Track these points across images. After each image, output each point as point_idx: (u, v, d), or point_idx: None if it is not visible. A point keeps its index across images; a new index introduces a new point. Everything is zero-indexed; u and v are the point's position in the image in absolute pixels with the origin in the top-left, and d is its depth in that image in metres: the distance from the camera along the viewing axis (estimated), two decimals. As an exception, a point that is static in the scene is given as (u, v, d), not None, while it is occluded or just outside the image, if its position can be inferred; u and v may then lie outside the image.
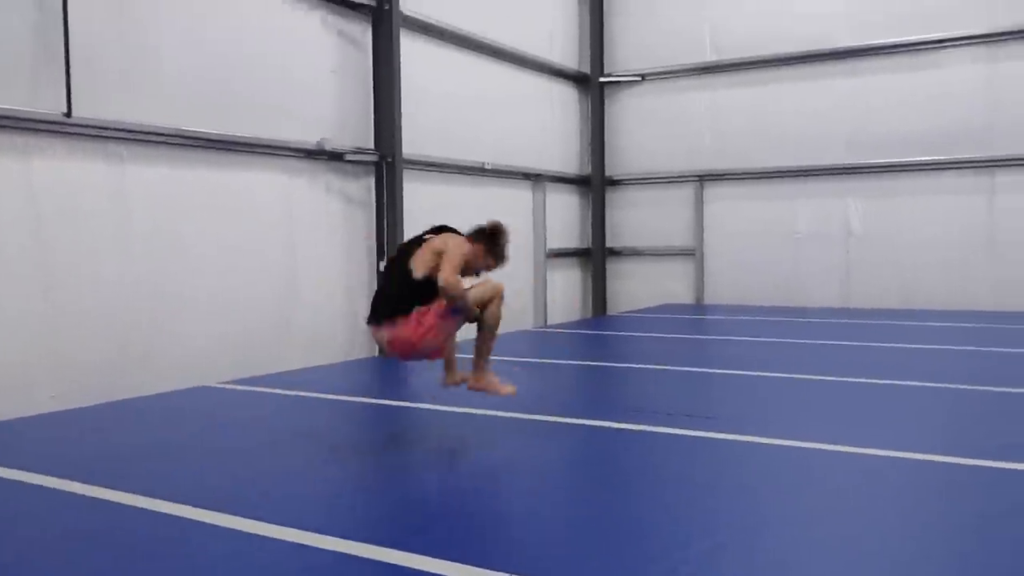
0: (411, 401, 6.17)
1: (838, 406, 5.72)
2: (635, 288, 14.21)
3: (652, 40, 13.91)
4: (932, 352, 8.16)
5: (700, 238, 13.66)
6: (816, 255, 12.84)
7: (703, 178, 13.62)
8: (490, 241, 4.94)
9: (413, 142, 10.19)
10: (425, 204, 10.53)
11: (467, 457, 4.67)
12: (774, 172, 13.10)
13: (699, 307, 13.28)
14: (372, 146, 9.73)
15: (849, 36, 12.50)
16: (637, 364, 7.69)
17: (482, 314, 4.82)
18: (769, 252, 13.14)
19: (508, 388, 4.99)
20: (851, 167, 12.58)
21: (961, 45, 11.88)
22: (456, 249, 4.68)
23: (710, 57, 13.46)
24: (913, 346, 8.51)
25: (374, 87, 9.76)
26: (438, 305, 4.58)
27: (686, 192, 13.78)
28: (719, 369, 7.30)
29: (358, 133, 9.63)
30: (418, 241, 4.89)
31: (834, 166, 12.67)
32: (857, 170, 12.55)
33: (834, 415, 5.44)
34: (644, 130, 14.13)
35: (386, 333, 4.66)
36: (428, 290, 4.57)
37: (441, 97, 10.85)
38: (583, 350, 9.52)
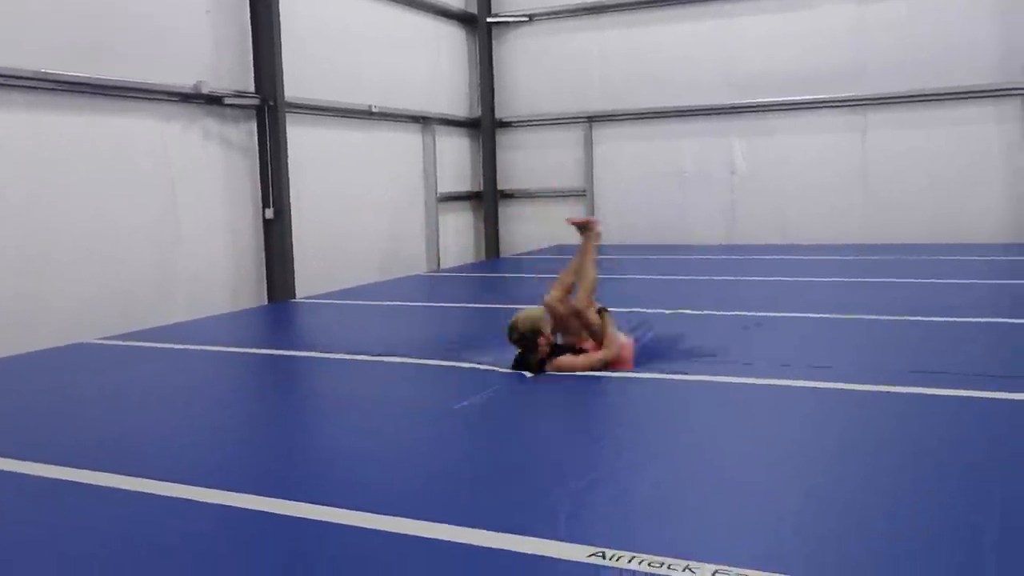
0: (297, 350, 6.09)
1: (722, 339, 5.87)
2: (528, 230, 14.28)
3: (539, -21, 13.81)
4: (810, 284, 8.48)
5: (590, 179, 13.79)
6: (702, 194, 13.13)
7: (592, 119, 13.70)
8: (532, 343, 4.95)
9: (297, 85, 9.91)
10: (311, 149, 10.30)
11: (354, 403, 4.65)
12: (660, 112, 13.28)
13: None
14: (252, 89, 9.43)
15: (730, -24, 12.68)
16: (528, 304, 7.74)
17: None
18: (657, 192, 13.37)
19: None
20: (732, 107, 12.85)
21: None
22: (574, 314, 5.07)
23: (593, -1, 13.47)
24: (793, 279, 8.82)
25: (252, 27, 9.42)
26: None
27: (576, 133, 13.85)
28: (609, 307, 7.40)
29: (237, 76, 9.30)
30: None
31: (716, 106, 12.93)
32: (737, 109, 12.84)
33: (719, 348, 5.57)
34: (533, 71, 14.08)
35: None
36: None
37: (324, 38, 10.56)
38: (474, 293, 9.55)
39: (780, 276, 9.08)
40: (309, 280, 10.00)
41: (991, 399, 4.11)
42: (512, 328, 4.95)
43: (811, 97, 12.42)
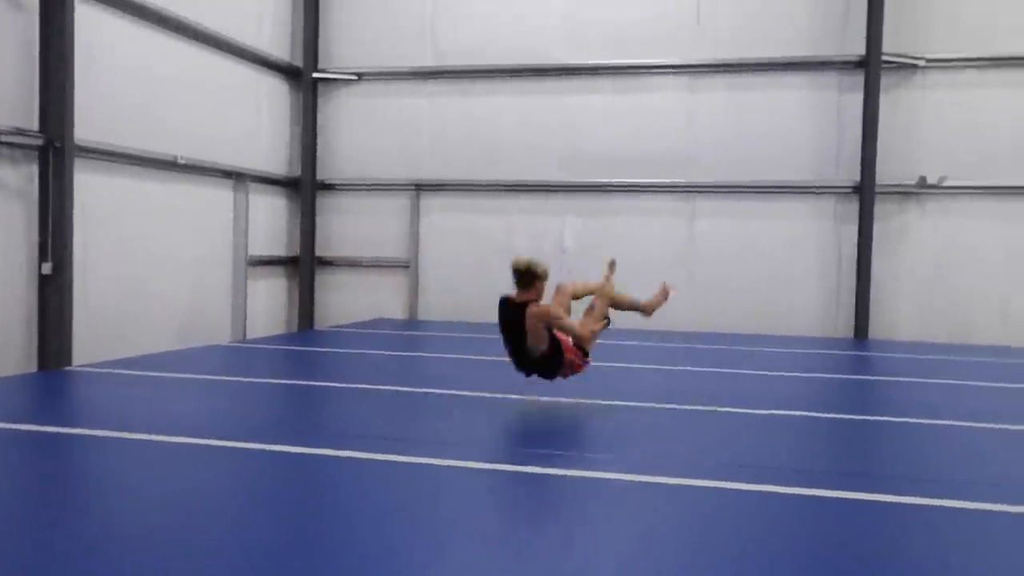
0: (75, 427, 5.00)
1: (538, 425, 5.38)
2: (346, 300, 13.41)
3: (372, 38, 13.23)
4: (626, 372, 8.13)
5: (415, 250, 13.15)
6: (530, 271, 12.72)
7: (420, 187, 13.12)
8: (535, 279, 5.76)
9: (90, 126, 8.78)
10: (104, 199, 9.12)
11: (138, 488, 3.72)
12: (492, 185, 12.88)
13: (411, 323, 12.74)
14: (36, 128, 8.23)
15: (566, 54, 12.58)
16: (334, 383, 6.95)
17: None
18: (485, 267, 12.88)
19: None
20: (564, 185, 12.65)
21: (668, 73, 12.32)
22: (556, 312, 5.70)
23: (431, 62, 13.02)
24: (610, 365, 8.43)
25: (41, 58, 8.27)
26: (571, 352, 5.84)
27: (402, 201, 13.22)
28: (423, 388, 6.74)
29: (18, 111, 8.09)
30: (516, 321, 5.76)
31: (549, 182, 12.69)
32: (571, 188, 12.65)
33: (530, 434, 5.09)
34: (360, 133, 13.40)
35: (560, 376, 5.95)
36: (554, 351, 5.76)
37: (127, 79, 9.47)
38: (280, 367, 8.61)
39: (599, 362, 8.70)
40: (94, 345, 8.75)
41: (792, 495, 3.91)
42: (520, 262, 5.79)
43: (643, 180, 12.40)
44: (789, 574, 3.04)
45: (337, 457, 4.49)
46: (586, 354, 5.96)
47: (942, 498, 3.95)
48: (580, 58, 12.53)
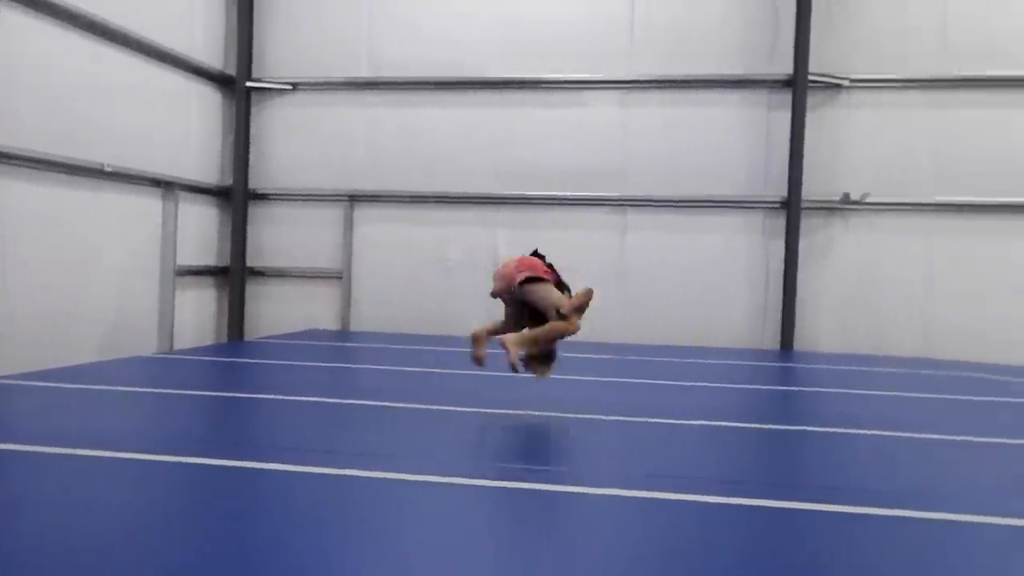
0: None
1: (466, 437, 5.36)
2: (278, 312, 13.23)
3: (308, 48, 13.13)
4: (555, 383, 8.18)
5: (348, 261, 13.05)
6: (466, 284, 12.77)
7: (354, 198, 13.04)
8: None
9: (12, 133, 8.54)
10: (27, 207, 8.87)
11: (54, 504, 3.59)
12: (427, 197, 12.87)
13: (344, 334, 12.63)
14: (-51, 131, 7.98)
15: (502, 68, 12.65)
16: (260, 395, 6.85)
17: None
18: (419, 279, 12.88)
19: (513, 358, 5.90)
20: (499, 197, 12.69)
21: (602, 88, 12.48)
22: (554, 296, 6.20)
23: (366, 73, 12.97)
24: (556, 377, 8.49)
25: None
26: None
27: (336, 212, 13.12)
28: (353, 400, 6.69)
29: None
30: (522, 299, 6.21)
31: (484, 195, 12.72)
32: (504, 200, 12.69)
33: (458, 445, 5.07)
34: (294, 142, 13.27)
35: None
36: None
37: (49, 82, 9.24)
38: (206, 379, 8.44)
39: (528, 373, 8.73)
40: (14, 358, 8.49)
41: (720, 504, 3.87)
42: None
43: (575, 194, 12.51)
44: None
45: (264, 470, 4.42)
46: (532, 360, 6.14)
47: (867, 506, 4.03)
48: (515, 72, 12.61)
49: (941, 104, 11.85)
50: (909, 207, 11.93)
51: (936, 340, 11.83)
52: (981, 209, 11.77)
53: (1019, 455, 5.56)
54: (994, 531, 3.79)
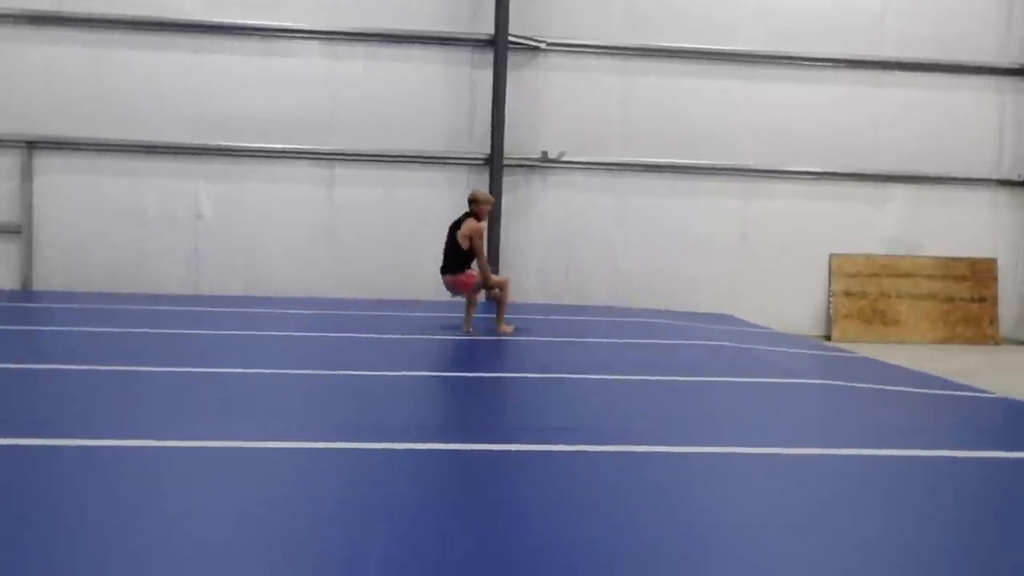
0: None
1: (170, 398, 5.18)
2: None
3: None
4: (274, 339, 8.08)
5: (28, 214, 11.92)
6: (164, 238, 12.13)
7: (33, 145, 11.90)
8: (474, 204, 8.64)
9: None
10: None
11: None
12: (118, 145, 12.00)
13: (26, 293, 11.58)
14: None
15: (200, 10, 12.00)
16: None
17: (499, 294, 8.81)
18: (110, 232, 12.04)
19: (510, 328, 8.83)
20: (199, 148, 12.12)
21: (306, 38, 12.21)
22: (475, 236, 8.52)
23: (49, 6, 11.78)
24: (258, 333, 8.34)
25: None
26: (474, 272, 8.70)
27: (10, 160, 11.91)
28: (45, 364, 6.20)
29: None
30: (458, 223, 8.68)
31: (182, 144, 12.09)
32: (205, 151, 12.14)
33: (163, 407, 4.89)
34: (-42, 81, 11.84)
35: (450, 278, 8.69)
36: (468, 256, 8.60)
37: None
38: None
39: (245, 330, 8.55)
40: None
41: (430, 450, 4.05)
42: (470, 192, 8.83)
43: (282, 146, 12.22)
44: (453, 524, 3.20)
45: None
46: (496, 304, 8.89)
47: (589, 444, 4.38)
48: (212, 16, 12.02)
49: (628, 71, 12.74)
50: (600, 166, 12.77)
51: (624, 288, 12.83)
52: (662, 169, 12.85)
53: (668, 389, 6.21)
54: (662, 459, 4.24)
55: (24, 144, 11.85)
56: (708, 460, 4.29)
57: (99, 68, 11.99)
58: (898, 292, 13.22)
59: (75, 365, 6.21)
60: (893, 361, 9.42)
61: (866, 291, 13.17)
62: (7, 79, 11.84)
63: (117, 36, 12.00)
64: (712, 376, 6.80)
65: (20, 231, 11.85)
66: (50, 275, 12.01)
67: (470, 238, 8.50)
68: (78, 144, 11.96)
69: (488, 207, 8.69)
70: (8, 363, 6.29)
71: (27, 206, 11.90)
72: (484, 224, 8.77)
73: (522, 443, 4.40)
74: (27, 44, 11.88)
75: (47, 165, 11.99)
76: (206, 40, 12.11)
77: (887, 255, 13.28)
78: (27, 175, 11.88)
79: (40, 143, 11.90)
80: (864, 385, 6.94)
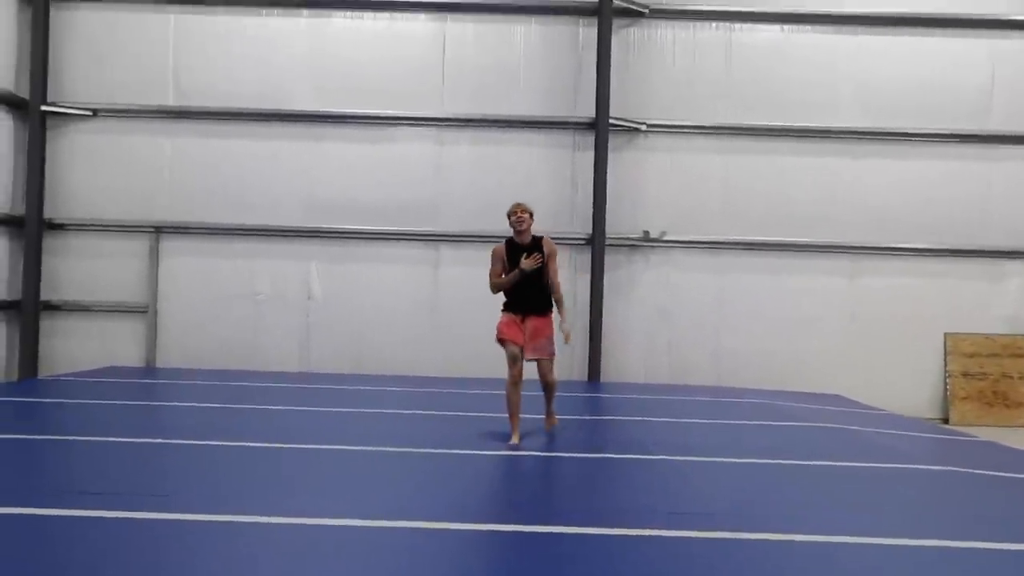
0: None
1: (287, 474, 5.34)
2: (77, 348, 12.55)
3: (111, 73, 12.64)
4: (381, 416, 8.25)
5: (154, 295, 12.58)
6: (276, 318, 12.60)
7: (160, 229, 12.62)
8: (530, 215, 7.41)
9: None
10: None
11: None
12: (236, 229, 12.63)
13: (150, 370, 12.15)
14: None
15: (311, 101, 12.66)
16: (59, 436, 6.54)
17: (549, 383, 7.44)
18: (229, 313, 12.58)
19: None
20: (310, 230, 12.64)
21: (414, 125, 12.70)
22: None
23: (173, 101, 12.63)
24: (367, 411, 8.55)
25: None
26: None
27: (140, 243, 12.64)
28: (165, 439, 6.50)
29: None
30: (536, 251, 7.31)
31: (294, 228, 12.64)
32: (316, 234, 12.65)
33: (282, 484, 5.04)
34: (95, 171, 12.70)
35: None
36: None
37: None
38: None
39: (353, 408, 8.77)
40: None
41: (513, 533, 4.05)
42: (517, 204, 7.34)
43: (389, 228, 12.63)
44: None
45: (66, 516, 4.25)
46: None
47: (681, 530, 4.36)
48: (325, 106, 12.64)
49: (727, 150, 12.80)
50: (700, 245, 12.76)
51: (726, 369, 12.66)
52: (764, 247, 12.76)
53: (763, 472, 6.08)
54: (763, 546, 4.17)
55: (152, 229, 12.58)
56: (852, 550, 4.18)
57: (218, 157, 12.69)
58: (1021, 373, 12.67)
59: (194, 440, 6.47)
60: (1019, 446, 9.01)
61: (986, 372, 12.66)
62: (139, 169, 12.65)
63: (234, 127, 12.71)
64: (837, 460, 6.64)
65: (147, 311, 12.50)
66: (170, 352, 12.57)
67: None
68: (199, 228, 12.63)
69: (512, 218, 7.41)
70: (131, 437, 6.59)
71: (153, 287, 12.56)
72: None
73: (658, 528, 4.39)
74: (156, 136, 12.70)
75: (172, 248, 12.67)
76: (317, 129, 12.72)
77: (1007, 334, 12.78)
78: (154, 258, 12.57)
79: (166, 228, 12.61)
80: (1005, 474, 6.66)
